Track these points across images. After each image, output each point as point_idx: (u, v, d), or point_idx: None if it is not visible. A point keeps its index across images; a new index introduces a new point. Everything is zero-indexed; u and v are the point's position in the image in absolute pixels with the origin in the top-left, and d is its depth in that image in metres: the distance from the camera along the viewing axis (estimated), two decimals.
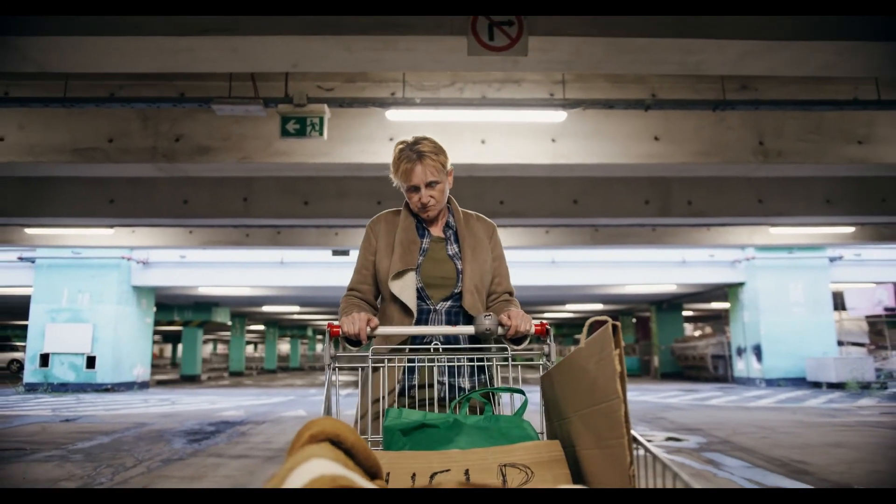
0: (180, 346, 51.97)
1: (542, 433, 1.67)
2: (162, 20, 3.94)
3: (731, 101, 5.63)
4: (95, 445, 7.54)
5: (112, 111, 6.58)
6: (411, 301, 1.89)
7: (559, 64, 4.36)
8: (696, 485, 0.93)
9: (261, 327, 39.37)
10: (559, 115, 5.73)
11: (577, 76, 6.31)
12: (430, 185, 1.93)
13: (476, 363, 1.89)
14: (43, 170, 7.43)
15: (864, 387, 15.25)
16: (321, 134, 5.38)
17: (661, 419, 9.89)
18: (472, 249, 1.98)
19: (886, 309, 14.34)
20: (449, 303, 1.94)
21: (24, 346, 32.22)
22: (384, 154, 6.71)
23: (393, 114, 5.68)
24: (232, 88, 5.53)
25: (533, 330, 1.80)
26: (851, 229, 11.80)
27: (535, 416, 1.73)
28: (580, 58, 4.30)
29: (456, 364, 1.86)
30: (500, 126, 6.54)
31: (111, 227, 10.73)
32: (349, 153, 6.68)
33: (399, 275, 1.91)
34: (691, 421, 9.63)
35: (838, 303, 18.35)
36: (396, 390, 1.84)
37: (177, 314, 24.26)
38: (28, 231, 11.14)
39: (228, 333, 38.87)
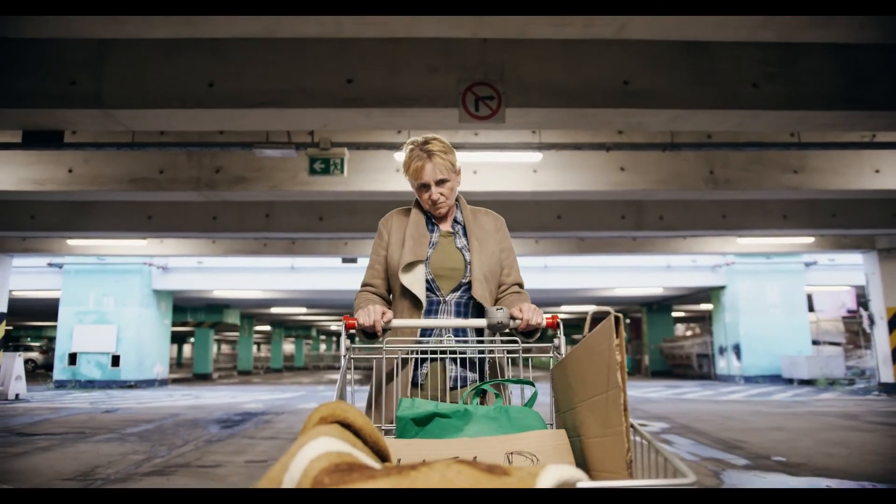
0: (186, 347, 53.33)
1: (551, 424, 1.69)
2: (226, 95, 5.18)
3: (677, 143, 6.86)
4: (143, 430, 8.77)
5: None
6: (421, 293, 1.94)
7: (531, 125, 5.60)
8: (687, 470, 0.95)
9: (266, 328, 40.58)
10: (537, 156, 6.99)
11: None
12: (439, 182, 2.00)
13: (487, 356, 1.92)
14: (92, 193, 8.62)
15: (832, 383, 16.46)
16: (342, 172, 6.61)
17: (637, 410, 11.10)
18: (479, 241, 2.04)
19: (849, 311, 15.54)
20: (458, 293, 1.99)
21: (38, 347, 33.49)
22: (391, 183, 7.95)
23: (400, 155, 6.93)
24: (269, 134, 6.77)
25: (544, 323, 1.83)
26: (811, 239, 13.02)
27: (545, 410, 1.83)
28: (547, 120, 5.54)
29: (468, 356, 1.92)
30: (489, 160, 7.78)
31: (145, 238, 11.98)
32: (362, 182, 7.92)
33: (409, 267, 1.96)
34: (662, 411, 10.86)
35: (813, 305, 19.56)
36: (409, 381, 1.91)
37: (190, 315, 25.48)
38: (70, 242, 12.38)
39: (233, 334, 40.09)
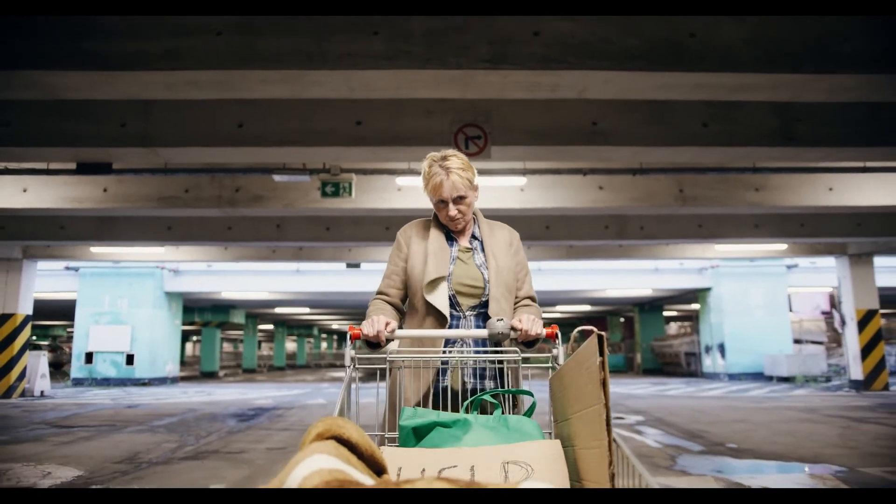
0: (188, 346, 54.21)
1: (549, 433, 1.74)
2: (253, 135, 6.09)
3: (646, 168, 7.78)
4: (168, 423, 9.67)
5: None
6: (445, 308, 1.97)
7: (514, 158, 6.52)
8: (653, 482, 1.08)
9: (269, 327, 41.49)
10: (522, 180, 7.92)
11: None
12: (457, 199, 2.03)
13: (489, 365, 1.96)
14: (124, 210, 9.52)
15: (810, 380, 17.40)
16: (350, 194, 7.53)
17: (619, 405, 12.01)
18: (496, 258, 2.06)
19: (823, 312, 16.44)
20: (477, 310, 2.02)
21: (47, 345, 34.37)
22: (393, 201, 8.87)
23: (401, 180, 7.87)
24: (285, 162, 7.67)
25: (544, 334, 1.88)
26: (784, 246, 13.94)
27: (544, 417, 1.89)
28: (528, 155, 6.45)
29: (470, 366, 1.96)
30: (480, 183, 8.65)
31: (164, 246, 12.88)
32: (368, 200, 8.83)
33: (433, 283, 1.98)
34: (643, 406, 11.77)
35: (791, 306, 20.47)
36: (420, 392, 1.92)
37: (197, 315, 26.37)
38: (93, 249, 13.28)
39: (235, 333, 41.03)
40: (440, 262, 2.01)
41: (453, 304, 2.01)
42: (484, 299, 2.01)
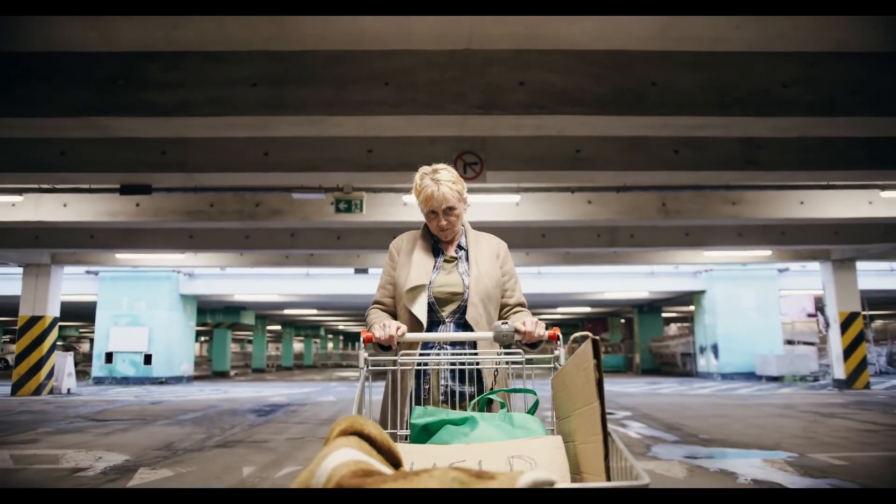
0: (195, 346, 55.34)
1: (552, 430, 1.82)
2: (277, 162, 6.92)
3: (628, 186, 8.59)
4: (193, 417, 10.52)
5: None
6: (422, 315, 2.08)
7: (507, 181, 7.33)
8: (644, 474, 1.15)
9: (276, 328, 42.38)
10: (516, 197, 8.76)
11: None
12: (447, 210, 2.12)
13: (491, 367, 2.05)
14: (154, 223, 10.38)
15: (799, 379, 18.14)
16: (361, 210, 8.36)
17: (611, 402, 12.80)
18: (478, 267, 2.15)
19: (808, 315, 17.18)
20: (457, 315, 2.11)
21: (61, 346, 35.30)
22: (399, 215, 9.70)
23: (407, 197, 8.72)
24: (303, 182, 8.52)
25: (546, 336, 1.97)
26: (769, 252, 14.70)
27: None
28: (520, 178, 7.27)
29: (467, 368, 2.05)
30: (478, 200, 9.51)
31: (184, 253, 13.75)
32: (377, 214, 9.67)
33: (413, 290, 2.10)
34: (633, 403, 12.57)
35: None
36: (421, 391, 2.07)
37: (209, 317, 27.26)
38: (118, 256, 14.16)
39: (242, 333, 41.92)
40: (422, 271, 2.14)
41: (434, 309, 2.12)
42: (463, 304, 2.11)
